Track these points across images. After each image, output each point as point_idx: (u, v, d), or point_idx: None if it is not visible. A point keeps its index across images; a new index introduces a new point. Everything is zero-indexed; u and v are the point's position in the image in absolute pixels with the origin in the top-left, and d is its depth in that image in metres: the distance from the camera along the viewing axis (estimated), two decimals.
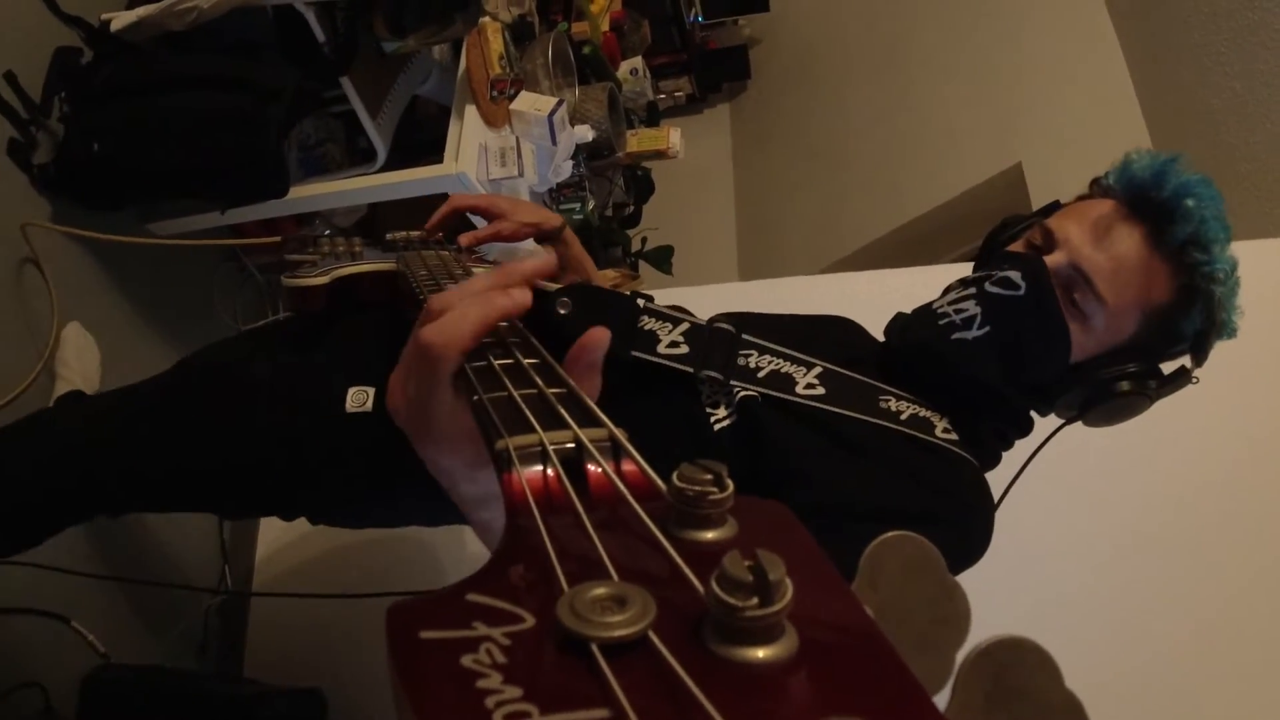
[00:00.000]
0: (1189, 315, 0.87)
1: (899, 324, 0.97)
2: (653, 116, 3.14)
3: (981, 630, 0.23)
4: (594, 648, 0.21)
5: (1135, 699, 1.43)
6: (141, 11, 1.70)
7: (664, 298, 0.98)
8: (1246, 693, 1.44)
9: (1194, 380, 0.92)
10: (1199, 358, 0.91)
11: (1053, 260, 0.87)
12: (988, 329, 0.87)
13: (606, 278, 2.58)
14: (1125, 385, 0.87)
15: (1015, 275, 0.87)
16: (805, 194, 3.63)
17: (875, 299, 1.84)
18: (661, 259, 2.90)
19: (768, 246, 3.72)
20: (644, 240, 2.92)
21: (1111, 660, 1.43)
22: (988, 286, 0.89)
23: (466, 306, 0.44)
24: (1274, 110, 2.18)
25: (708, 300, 1.94)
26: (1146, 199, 0.87)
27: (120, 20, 1.72)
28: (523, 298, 0.46)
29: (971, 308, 0.88)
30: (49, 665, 1.52)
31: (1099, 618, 1.51)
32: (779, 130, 3.96)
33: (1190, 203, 0.84)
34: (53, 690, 1.50)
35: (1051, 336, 0.87)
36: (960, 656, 0.22)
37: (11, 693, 1.45)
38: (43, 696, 1.48)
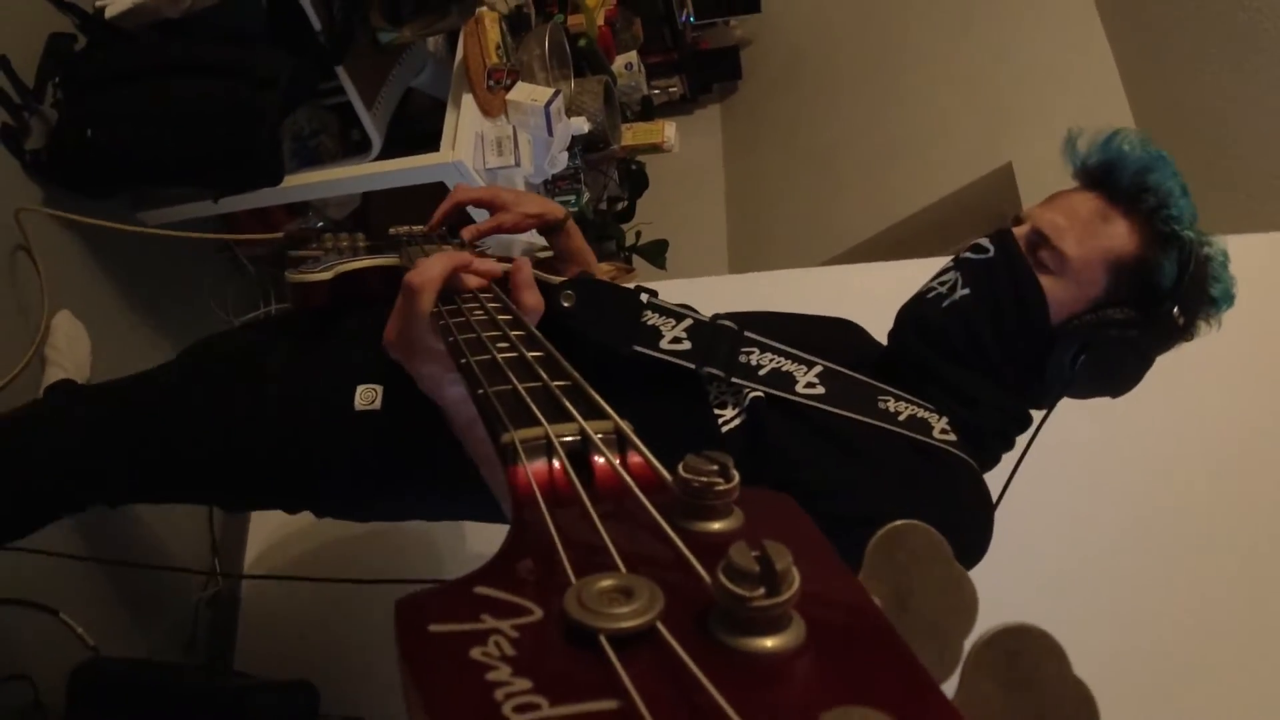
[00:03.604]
0: (1161, 266, 0.88)
1: (899, 311, 1.00)
2: (647, 111, 3.13)
3: (989, 618, 0.23)
4: (602, 639, 0.21)
5: (1144, 685, 1.44)
6: None
7: (660, 290, 0.98)
8: (1251, 678, 1.46)
9: (1182, 334, 0.91)
10: (1186, 310, 0.90)
11: (1019, 230, 0.94)
12: (968, 290, 0.93)
13: (602, 271, 2.57)
14: (1111, 331, 0.88)
15: (984, 241, 0.95)
16: (796, 194, 3.62)
17: (870, 292, 1.83)
18: (656, 253, 2.89)
19: (758, 246, 3.71)
20: (638, 234, 2.92)
21: (1120, 647, 1.44)
22: (963, 254, 0.97)
23: (437, 260, 0.64)
24: (1263, 109, 2.19)
25: (704, 292, 1.94)
26: (1088, 168, 0.94)
27: (115, 6, 1.70)
28: (484, 266, 0.67)
29: (952, 276, 0.95)
30: (38, 658, 1.51)
31: (1107, 604, 1.52)
32: (770, 131, 3.95)
33: (1126, 146, 0.91)
34: (41, 683, 1.49)
35: (1024, 290, 0.90)
36: (968, 644, 0.22)
37: (0, 685, 1.44)
38: (31, 689, 1.48)
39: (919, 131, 3.19)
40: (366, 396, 0.97)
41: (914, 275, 1.03)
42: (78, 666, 1.56)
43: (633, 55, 3.06)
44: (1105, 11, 2.79)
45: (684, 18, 3.89)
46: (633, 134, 2.69)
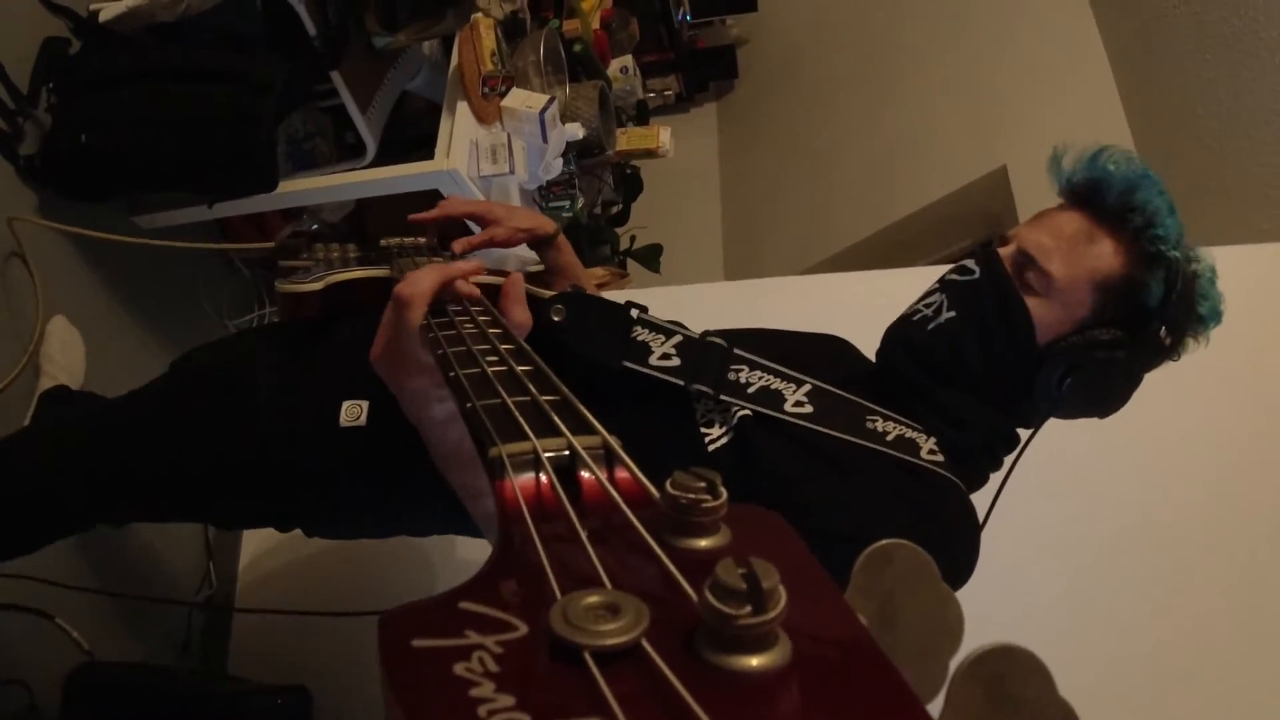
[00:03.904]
0: (1147, 286, 0.87)
1: (886, 332, 0.99)
2: (642, 115, 3.13)
3: (975, 638, 0.23)
4: (587, 656, 0.21)
5: (1131, 705, 1.43)
6: (131, 2, 1.68)
7: (652, 297, 0.99)
8: (1245, 695, 1.46)
9: (1170, 352, 0.91)
10: (1173, 330, 0.91)
11: (1005, 250, 0.94)
12: (954, 313, 0.92)
13: (595, 275, 2.58)
14: (1098, 352, 0.88)
15: (970, 262, 0.95)
16: (791, 195, 3.63)
17: (865, 300, 1.85)
18: (650, 257, 2.90)
19: (753, 247, 3.71)
20: (632, 238, 2.92)
21: (1106, 668, 1.44)
22: (948, 276, 0.96)
23: (428, 272, 0.64)
24: (1258, 118, 2.19)
25: (696, 300, 1.95)
26: (1073, 187, 0.94)
27: (109, 10, 1.70)
28: (472, 268, 0.67)
29: (938, 298, 0.95)
30: (33, 662, 1.51)
31: (1094, 624, 1.51)
32: (765, 131, 3.95)
33: (1111, 165, 0.90)
34: (36, 687, 1.49)
35: (1010, 312, 0.90)
36: (954, 664, 0.22)
37: None
38: (27, 694, 1.47)
39: (915, 133, 3.20)
40: (352, 413, 0.96)
41: (910, 284, 1.03)
42: (73, 671, 1.55)
43: (628, 59, 3.06)
44: (1101, 15, 2.80)
45: (680, 16, 3.89)
46: (628, 139, 2.69)
